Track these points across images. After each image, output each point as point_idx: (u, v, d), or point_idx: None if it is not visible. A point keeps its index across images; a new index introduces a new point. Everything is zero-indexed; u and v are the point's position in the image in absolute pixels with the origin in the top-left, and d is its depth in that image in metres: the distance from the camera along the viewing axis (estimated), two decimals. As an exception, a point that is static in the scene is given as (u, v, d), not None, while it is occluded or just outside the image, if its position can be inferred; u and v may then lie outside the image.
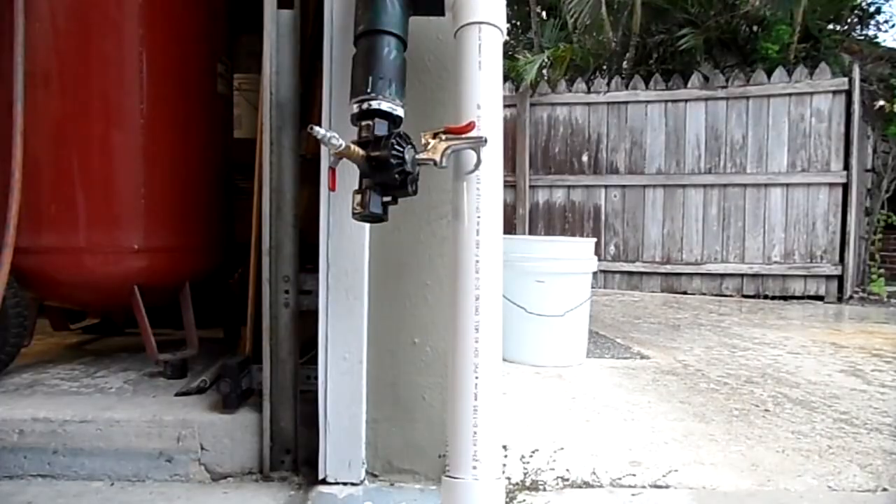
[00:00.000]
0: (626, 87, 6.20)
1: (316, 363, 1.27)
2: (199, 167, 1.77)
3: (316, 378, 1.27)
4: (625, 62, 7.35)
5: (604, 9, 7.10)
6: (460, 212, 1.02)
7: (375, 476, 1.29)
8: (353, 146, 0.95)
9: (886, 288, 6.12)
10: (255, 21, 1.34)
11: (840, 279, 5.70)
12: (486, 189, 1.01)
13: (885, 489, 1.44)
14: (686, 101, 6.00)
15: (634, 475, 1.46)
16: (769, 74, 5.82)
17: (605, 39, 7.42)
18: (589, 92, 6.25)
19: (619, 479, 1.44)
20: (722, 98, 5.92)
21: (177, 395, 1.48)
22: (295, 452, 1.33)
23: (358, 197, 0.99)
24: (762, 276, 5.84)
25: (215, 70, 1.80)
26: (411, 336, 1.29)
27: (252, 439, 1.33)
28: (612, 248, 6.24)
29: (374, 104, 0.99)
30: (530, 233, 6.26)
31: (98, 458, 1.33)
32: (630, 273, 6.19)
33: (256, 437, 1.33)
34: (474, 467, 0.96)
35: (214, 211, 1.83)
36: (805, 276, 5.77)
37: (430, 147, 1.00)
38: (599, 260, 3.37)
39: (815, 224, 5.74)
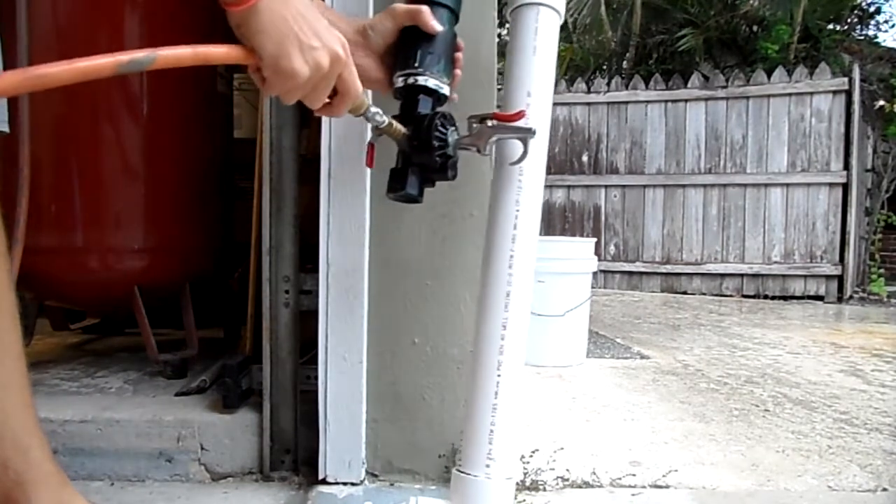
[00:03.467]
0: (626, 87, 6.20)
1: (316, 363, 1.27)
2: (199, 167, 1.76)
3: (316, 378, 1.27)
4: (625, 62, 7.36)
5: (603, 8, 7.11)
6: (498, 203, 0.98)
7: (375, 476, 1.29)
8: (395, 123, 0.89)
9: (886, 288, 6.13)
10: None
11: (840, 279, 5.70)
12: (528, 182, 0.96)
13: (885, 489, 1.44)
14: (686, 101, 6.01)
15: (634, 475, 1.46)
16: (769, 74, 5.82)
17: (604, 39, 7.42)
18: (589, 92, 6.26)
19: (619, 479, 1.44)
20: (722, 98, 5.92)
21: (177, 394, 1.47)
22: (295, 452, 1.33)
23: (395, 175, 0.93)
24: (762, 276, 5.84)
25: (215, 69, 1.80)
26: (411, 336, 1.28)
27: (252, 439, 1.33)
28: (612, 248, 6.25)
29: (421, 80, 0.92)
30: (530, 233, 6.26)
31: (98, 458, 1.33)
32: (630, 273, 6.19)
33: (256, 437, 1.33)
34: (487, 465, 0.94)
35: (215, 211, 1.83)
36: (805, 276, 5.77)
37: (474, 132, 0.94)
38: (599, 260, 3.37)
39: (815, 224, 5.74)
